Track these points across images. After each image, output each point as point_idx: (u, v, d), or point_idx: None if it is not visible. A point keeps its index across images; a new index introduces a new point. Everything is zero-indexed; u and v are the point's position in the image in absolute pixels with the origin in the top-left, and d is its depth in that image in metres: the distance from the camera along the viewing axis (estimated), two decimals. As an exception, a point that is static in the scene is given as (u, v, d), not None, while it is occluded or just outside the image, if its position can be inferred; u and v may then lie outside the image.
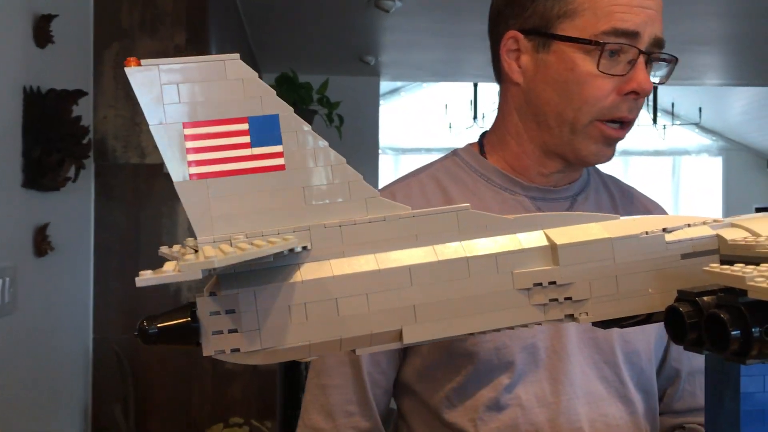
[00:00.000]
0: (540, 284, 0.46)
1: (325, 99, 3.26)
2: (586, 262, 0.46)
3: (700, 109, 6.67)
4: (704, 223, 0.49)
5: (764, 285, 0.38)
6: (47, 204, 2.34)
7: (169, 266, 0.35)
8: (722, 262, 0.48)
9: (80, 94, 1.84)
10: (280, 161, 0.44)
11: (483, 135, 1.05)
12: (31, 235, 2.08)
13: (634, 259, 0.47)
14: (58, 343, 2.40)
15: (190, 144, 0.42)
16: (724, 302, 0.41)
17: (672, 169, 7.83)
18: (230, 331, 0.41)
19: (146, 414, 2.67)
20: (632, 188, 1.10)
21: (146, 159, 2.74)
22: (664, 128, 6.62)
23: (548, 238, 0.47)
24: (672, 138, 7.10)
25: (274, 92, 0.44)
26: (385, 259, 0.44)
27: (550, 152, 0.96)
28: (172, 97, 0.42)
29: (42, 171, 1.79)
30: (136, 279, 0.32)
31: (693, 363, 0.93)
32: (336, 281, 0.43)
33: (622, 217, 0.49)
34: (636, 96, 0.84)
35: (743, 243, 0.46)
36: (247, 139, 0.43)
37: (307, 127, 0.44)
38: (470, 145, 1.05)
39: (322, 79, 3.29)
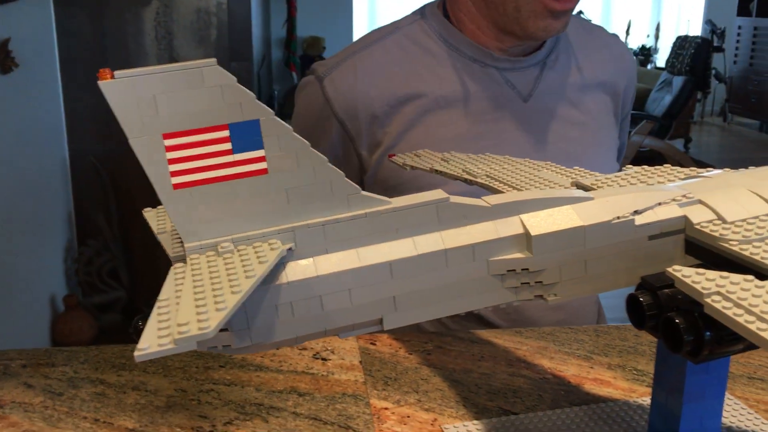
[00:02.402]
0: (513, 270, 0.48)
1: None
2: (558, 250, 0.48)
3: None
4: (674, 200, 0.51)
5: (719, 306, 0.41)
6: (6, 18, 2.23)
7: (152, 335, 0.35)
8: (687, 243, 0.51)
9: None
10: (262, 165, 0.44)
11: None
12: (-6, 55, 1.99)
13: (603, 243, 0.49)
14: (34, 157, 2.41)
15: (171, 155, 0.42)
16: (682, 306, 0.45)
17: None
18: (221, 330, 0.44)
19: (129, 221, 2.77)
20: (600, 29, 1.14)
21: (106, -34, 2.56)
22: None
23: (524, 226, 0.48)
24: None
25: (254, 96, 0.43)
26: (367, 254, 0.46)
27: (502, 29, 0.96)
28: (150, 108, 0.41)
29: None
30: (135, 354, 0.34)
31: None
32: (320, 280, 0.45)
33: (595, 198, 0.50)
34: None
35: (708, 232, 0.48)
36: (228, 145, 0.43)
37: (288, 129, 0.44)
38: (436, 6, 1.02)
39: None
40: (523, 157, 0.90)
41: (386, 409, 0.70)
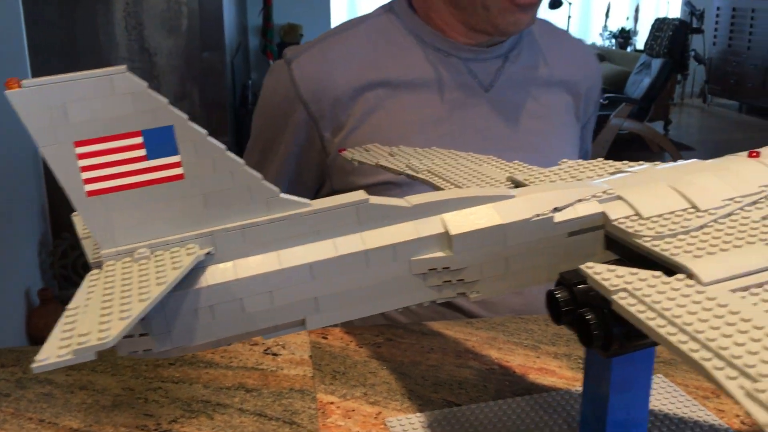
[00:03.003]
0: (435, 269, 0.49)
1: None
2: (479, 248, 0.49)
3: None
4: (594, 196, 0.52)
5: (624, 303, 0.42)
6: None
7: (54, 345, 0.36)
8: (607, 239, 0.52)
9: None
10: (178, 171, 0.44)
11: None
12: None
13: (524, 240, 0.50)
14: (6, 150, 2.39)
15: (83, 162, 0.42)
16: (593, 302, 0.46)
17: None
18: (141, 335, 0.44)
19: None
20: (567, 34, 1.18)
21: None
22: None
23: (444, 226, 0.49)
24: None
25: (167, 102, 0.43)
26: (287, 256, 0.46)
27: (473, 28, 1.00)
28: (60, 116, 0.41)
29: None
30: (32, 366, 0.34)
31: None
32: (240, 283, 0.45)
33: (516, 196, 0.51)
34: None
35: (623, 228, 0.49)
36: (142, 152, 0.43)
37: (204, 133, 0.44)
38: (404, 1, 1.05)
39: None
40: (484, 145, 0.91)
41: (332, 403, 0.71)
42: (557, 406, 0.70)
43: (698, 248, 0.46)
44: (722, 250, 0.45)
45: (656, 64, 5.88)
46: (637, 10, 7.94)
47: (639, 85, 6.01)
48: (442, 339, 0.84)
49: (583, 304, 0.46)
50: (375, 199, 0.48)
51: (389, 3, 1.05)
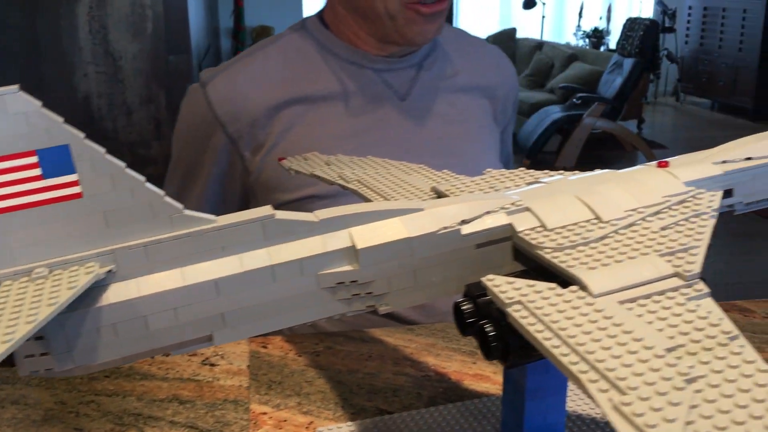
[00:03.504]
0: (343, 283, 0.50)
1: None
2: (386, 261, 0.50)
3: None
4: (503, 208, 0.53)
5: (518, 316, 0.43)
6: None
7: None
8: (515, 250, 0.52)
9: None
10: (76, 189, 0.44)
11: (323, 11, 1.07)
12: None
13: (431, 253, 0.51)
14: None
15: (-23, 183, 0.42)
16: (493, 314, 0.46)
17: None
18: (42, 354, 0.44)
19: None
20: (481, 41, 1.20)
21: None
22: None
23: (351, 239, 0.49)
24: None
25: (62, 121, 0.43)
26: (192, 273, 0.47)
27: (383, 40, 1.00)
28: (-50, 137, 0.41)
29: None
30: None
31: None
32: (143, 300, 0.46)
33: (425, 209, 0.52)
34: None
35: (528, 239, 0.50)
36: (38, 171, 0.43)
37: (102, 151, 0.44)
38: (316, 18, 1.07)
39: None
40: (403, 153, 0.92)
41: (265, 413, 0.71)
42: (487, 412, 0.71)
43: (594, 260, 0.46)
44: (617, 261, 0.46)
45: (628, 63, 5.93)
46: (609, 10, 8.00)
47: (611, 84, 6.07)
48: (381, 346, 0.84)
49: (485, 315, 0.47)
50: (281, 214, 0.49)
51: (301, 21, 1.07)
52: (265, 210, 0.48)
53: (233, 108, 0.99)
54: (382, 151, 1.00)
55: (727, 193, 0.56)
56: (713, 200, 0.53)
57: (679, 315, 0.41)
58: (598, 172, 0.58)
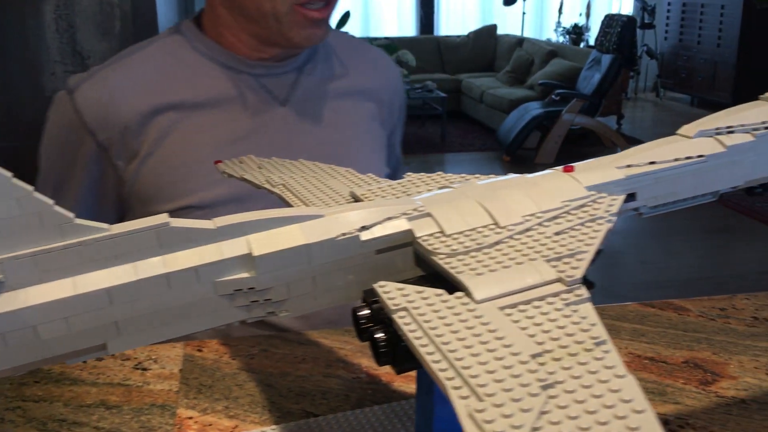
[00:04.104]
0: (241, 290, 0.50)
1: None
2: (283, 268, 0.50)
3: None
4: (405, 213, 0.53)
5: (401, 322, 0.43)
6: None
7: None
8: (416, 256, 0.53)
9: None
10: (-39, 200, 0.44)
11: (201, 13, 1.03)
12: None
13: (330, 259, 0.51)
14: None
15: None
16: (385, 320, 0.47)
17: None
18: (-72, 366, 0.45)
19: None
20: (365, 44, 1.18)
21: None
22: None
23: (248, 246, 0.50)
24: None
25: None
26: (83, 282, 0.47)
27: (265, 41, 0.97)
28: None
29: None
30: None
31: None
32: (32, 310, 0.46)
33: (326, 215, 0.52)
34: None
35: (425, 245, 0.50)
36: None
37: (-15, 162, 0.44)
38: (191, 22, 1.03)
39: None
40: (284, 158, 0.91)
41: (190, 418, 0.71)
42: (413, 414, 0.71)
43: (484, 265, 0.47)
44: (504, 267, 0.47)
45: (606, 59, 5.97)
46: (588, 7, 8.03)
47: (590, 80, 6.10)
48: (316, 348, 0.85)
49: (379, 321, 0.48)
50: (177, 222, 0.49)
51: (176, 25, 1.03)
52: (160, 218, 0.48)
53: (103, 115, 0.95)
54: (262, 157, 0.98)
55: (631, 197, 0.57)
56: (613, 204, 0.54)
57: (554, 320, 0.41)
58: (507, 176, 0.59)
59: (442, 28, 8.28)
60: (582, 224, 0.51)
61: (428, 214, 0.53)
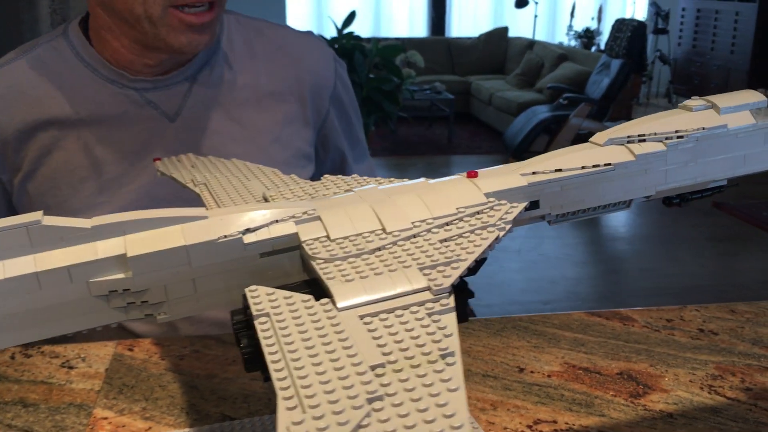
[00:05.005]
0: (116, 291, 0.49)
1: None
2: (160, 269, 0.49)
3: None
4: (293, 216, 0.52)
5: (260, 329, 0.42)
6: None
7: None
8: (303, 259, 0.51)
9: None
10: None
11: (87, 15, 0.95)
12: None
13: (210, 262, 0.50)
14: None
15: None
16: (246, 326, 0.46)
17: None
18: None
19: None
20: (283, 32, 1.05)
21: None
22: None
23: (124, 247, 0.49)
24: None
25: None
26: (-51, 280, 0.46)
27: (148, 47, 0.89)
28: None
29: None
30: None
31: None
32: None
33: (211, 216, 0.51)
34: None
35: (307, 248, 0.49)
36: None
37: None
38: (77, 23, 0.95)
39: None
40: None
41: (105, 418, 0.71)
42: (330, 420, 0.70)
43: (358, 272, 0.46)
44: (377, 274, 0.45)
45: (615, 64, 5.92)
46: (600, 11, 7.98)
47: (599, 85, 6.06)
48: (249, 350, 0.83)
49: (250, 327, 0.46)
50: (50, 220, 0.48)
51: (63, 26, 0.96)
52: (33, 215, 0.47)
53: None
54: (152, 177, 0.92)
55: (535, 205, 0.56)
56: (510, 212, 0.52)
57: (410, 330, 0.40)
58: (411, 181, 0.57)
59: (454, 29, 8.25)
60: (471, 232, 0.50)
61: (318, 218, 0.52)
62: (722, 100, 0.59)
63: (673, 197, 0.60)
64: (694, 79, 7.79)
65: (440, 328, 0.40)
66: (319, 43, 1.07)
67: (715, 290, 3.62)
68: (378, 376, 0.36)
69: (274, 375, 0.37)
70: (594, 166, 0.56)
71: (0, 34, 2.61)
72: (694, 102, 0.59)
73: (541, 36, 7.95)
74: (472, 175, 0.56)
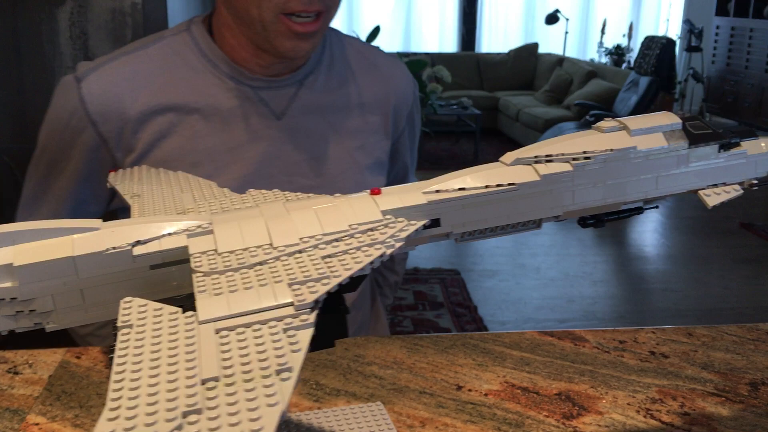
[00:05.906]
0: (3, 299, 0.50)
1: None
2: (47, 279, 0.50)
3: None
4: (187, 230, 0.52)
5: (120, 339, 0.42)
6: None
7: None
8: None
9: None
10: None
11: (213, 12, 1.03)
12: None
13: (98, 273, 0.50)
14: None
15: None
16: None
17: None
18: None
19: (47, 221, 2.78)
20: (375, 51, 1.15)
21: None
22: None
23: (12, 256, 0.50)
24: None
25: None
26: None
27: (260, 47, 0.97)
28: None
29: None
30: None
31: None
32: None
33: (103, 228, 0.51)
34: None
35: (192, 261, 0.49)
36: None
37: None
38: (202, 20, 1.04)
39: None
40: (271, 172, 0.95)
41: (36, 424, 0.71)
42: None
43: (230, 286, 0.46)
44: (247, 288, 0.45)
45: (644, 82, 5.86)
46: (631, 28, 7.90)
47: (627, 102, 5.99)
48: (194, 361, 0.84)
49: (124, 338, 0.47)
50: (-61, 227, 0.49)
51: (187, 22, 1.04)
52: (-75, 223, 0.49)
53: (106, 108, 0.97)
54: (253, 169, 1.00)
55: (436, 223, 0.55)
56: (406, 230, 0.52)
57: (259, 345, 0.40)
58: (316, 196, 0.57)
59: (484, 45, 8.24)
60: (358, 249, 0.50)
61: (211, 232, 0.52)
62: (634, 122, 0.58)
63: (588, 218, 0.59)
64: (728, 98, 7.66)
65: (291, 344, 0.40)
66: (404, 67, 1.17)
67: (735, 313, 3.54)
68: (209, 389, 0.36)
69: (111, 386, 0.38)
70: (497, 186, 0.55)
71: (20, 44, 2.68)
72: (607, 123, 0.58)
73: (571, 53, 7.91)
74: (375, 192, 0.56)
